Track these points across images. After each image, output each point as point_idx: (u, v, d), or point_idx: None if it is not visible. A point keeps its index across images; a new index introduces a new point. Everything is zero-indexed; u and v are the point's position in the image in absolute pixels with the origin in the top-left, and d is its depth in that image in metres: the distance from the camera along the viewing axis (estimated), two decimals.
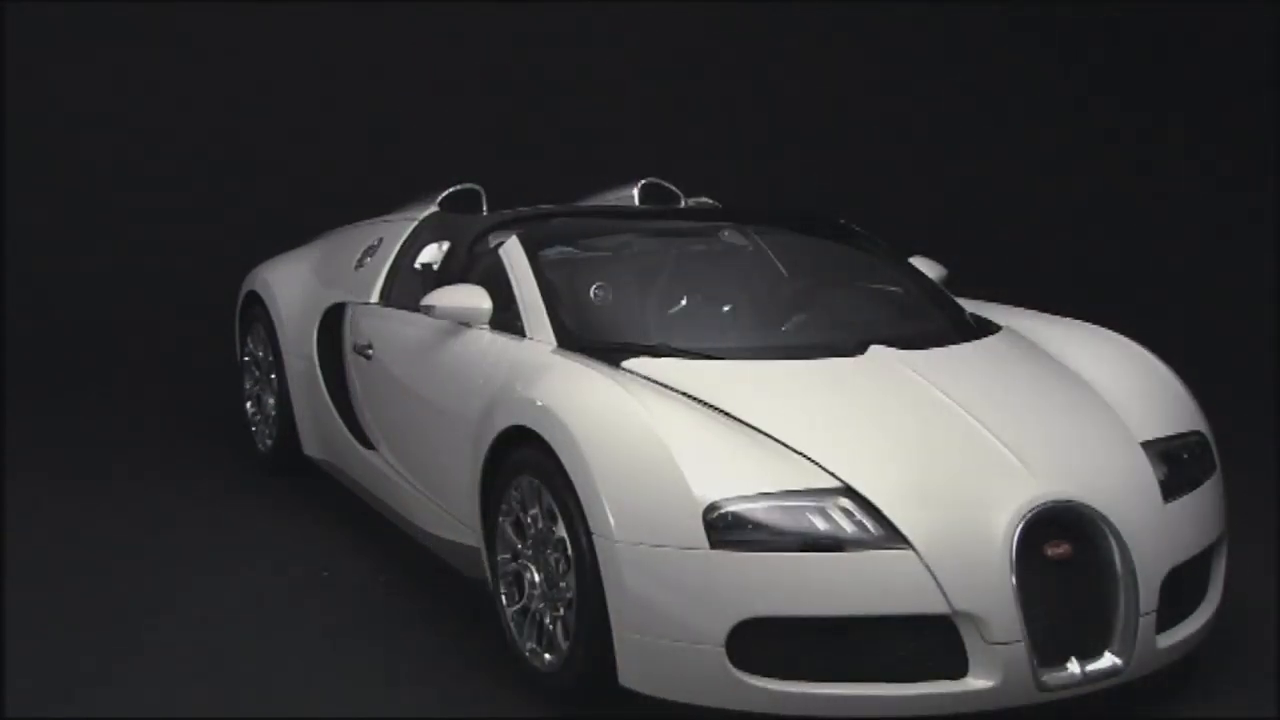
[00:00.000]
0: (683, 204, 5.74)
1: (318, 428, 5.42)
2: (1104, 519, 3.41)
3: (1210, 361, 6.49)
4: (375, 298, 5.12)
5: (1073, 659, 3.33)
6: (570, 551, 3.51)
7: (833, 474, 3.37)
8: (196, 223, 8.90)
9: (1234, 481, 4.07)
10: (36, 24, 8.86)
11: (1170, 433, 3.88)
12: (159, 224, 8.89)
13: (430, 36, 9.45)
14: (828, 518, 3.28)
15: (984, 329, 4.39)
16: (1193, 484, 3.78)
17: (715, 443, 3.43)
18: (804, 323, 4.41)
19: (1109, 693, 3.42)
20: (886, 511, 3.30)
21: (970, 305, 4.66)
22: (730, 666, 3.27)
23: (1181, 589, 3.62)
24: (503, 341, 4.20)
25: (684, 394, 3.65)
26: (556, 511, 3.56)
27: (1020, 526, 3.32)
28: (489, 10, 9.49)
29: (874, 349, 3.93)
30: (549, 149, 9.38)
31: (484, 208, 5.62)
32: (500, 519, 3.86)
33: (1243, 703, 3.71)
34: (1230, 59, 10.07)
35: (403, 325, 4.79)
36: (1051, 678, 3.29)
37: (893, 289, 4.72)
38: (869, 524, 3.28)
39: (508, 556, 3.86)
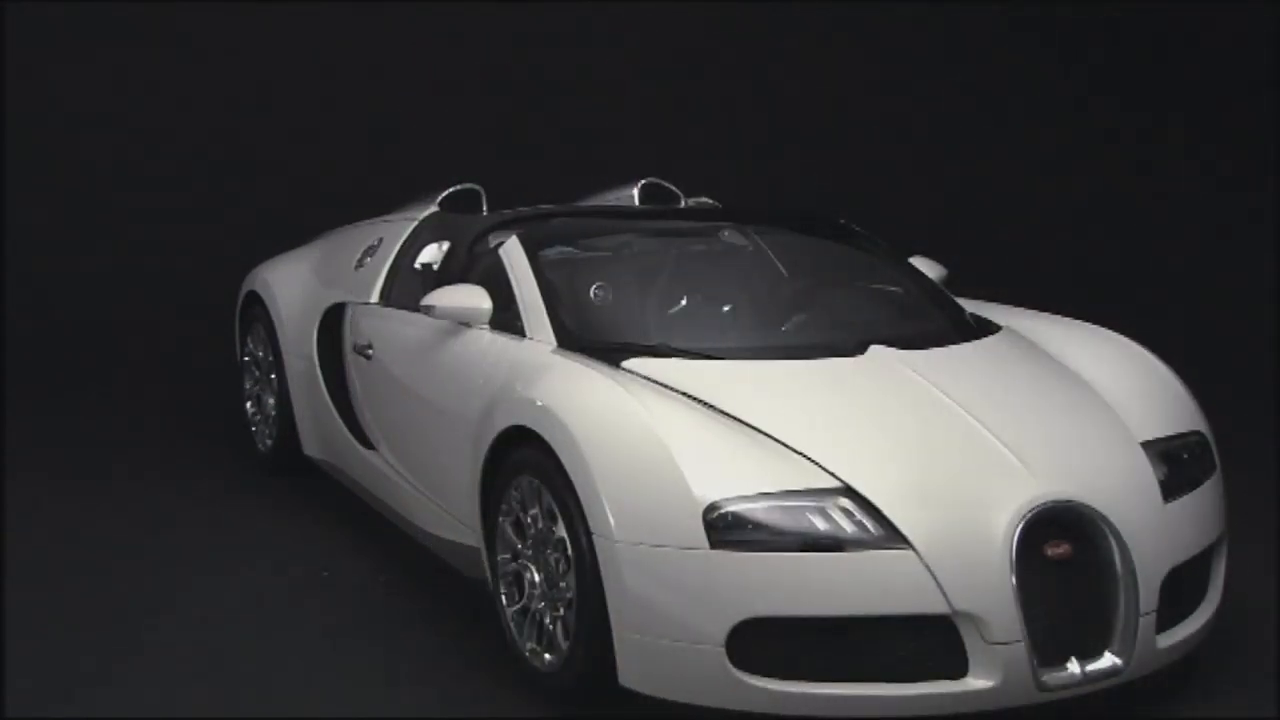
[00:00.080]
0: (683, 204, 5.74)
1: (318, 428, 5.42)
2: (1104, 519, 3.41)
3: (1210, 361, 6.49)
4: (375, 298, 5.12)
5: (1073, 659, 3.33)
6: (570, 551, 3.51)
7: (833, 474, 3.37)
8: (196, 223, 8.90)
9: (1234, 481, 4.07)
10: (36, 24, 8.86)
11: (1170, 433, 3.88)
12: (159, 224, 8.89)
13: (430, 36, 9.45)
14: (828, 518, 3.28)
15: (984, 329, 4.39)
16: (1193, 484, 3.78)
17: (715, 443, 3.43)
18: (804, 323, 4.41)
19: (1109, 693, 3.42)
20: (886, 511, 3.30)
21: (970, 305, 4.66)
22: (730, 666, 3.27)
23: (1181, 589, 3.62)
24: (503, 341, 4.20)
25: (684, 394, 3.65)
26: (556, 511, 3.56)
27: (1020, 526, 3.32)
28: (489, 10, 9.49)
29: (874, 349, 3.93)
30: (549, 149, 9.38)
31: (484, 208, 5.62)
32: (500, 519, 3.86)
33: (1243, 703, 3.71)
34: (1230, 59, 10.07)
35: (403, 325, 4.79)
36: (1051, 678, 3.29)
37: (893, 289, 4.72)
38: (869, 524, 3.28)
39: (508, 556, 3.86)
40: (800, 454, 3.43)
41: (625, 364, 3.84)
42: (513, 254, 4.44)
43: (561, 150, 9.35)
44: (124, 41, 9.01)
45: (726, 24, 9.90)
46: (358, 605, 4.42)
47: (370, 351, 4.90)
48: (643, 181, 5.72)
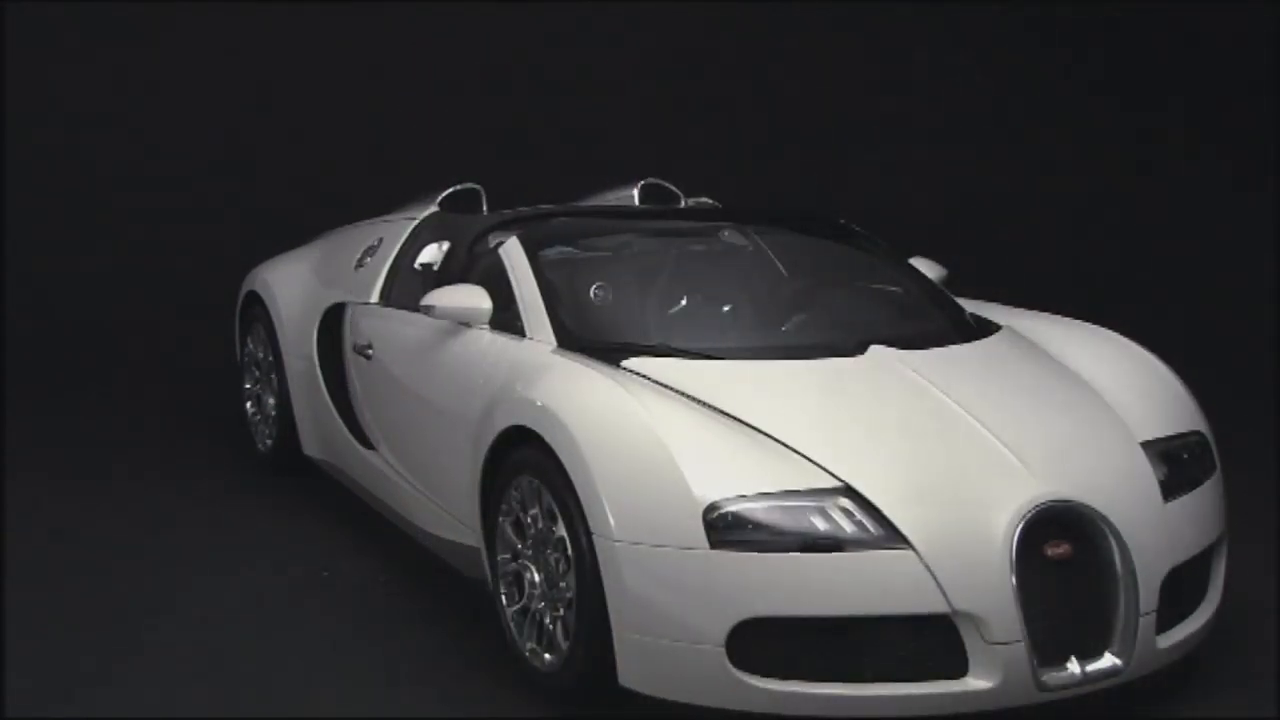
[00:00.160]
0: (683, 204, 5.74)
1: (318, 428, 5.42)
2: (1104, 519, 3.41)
3: (1210, 361, 6.48)
4: (375, 298, 5.12)
5: (1073, 659, 3.33)
6: (570, 551, 3.51)
7: (833, 474, 3.37)
8: (196, 223, 8.89)
9: (1234, 481, 4.07)
10: (36, 24, 8.86)
11: (1170, 433, 3.88)
12: (159, 224, 8.89)
13: (430, 36, 9.45)
14: (828, 518, 3.28)
15: (984, 329, 4.39)
16: (1193, 484, 3.79)
17: (715, 443, 3.43)
18: (804, 323, 4.41)
19: (1109, 693, 3.42)
20: (886, 511, 3.30)
21: (970, 305, 4.66)
22: (730, 666, 3.27)
23: (1181, 589, 3.62)
24: (503, 341, 4.20)
25: (684, 394, 3.65)
26: (556, 511, 3.56)
27: (1020, 526, 3.32)
28: (489, 10, 9.49)
29: (874, 349, 3.93)
30: (549, 149, 9.38)
31: (484, 208, 5.62)
32: (500, 519, 3.86)
33: (1243, 703, 3.71)
34: (1230, 59, 10.07)
35: (403, 325, 4.79)
36: (1051, 678, 3.29)
37: (893, 289, 4.72)
38: (869, 524, 3.28)
39: (508, 556, 3.86)
40: (800, 454, 3.43)
41: (625, 364, 3.84)
42: (513, 254, 4.44)
43: (561, 150, 9.35)
44: (124, 41, 9.01)
45: (726, 24, 9.90)
46: (358, 605, 4.42)
47: (370, 351, 4.90)
48: (643, 181, 5.72)
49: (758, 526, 3.26)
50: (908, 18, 10.13)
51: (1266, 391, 7.46)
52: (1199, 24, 10.08)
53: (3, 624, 4.17)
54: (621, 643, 3.38)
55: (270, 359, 5.77)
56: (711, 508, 3.27)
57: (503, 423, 3.80)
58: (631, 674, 3.40)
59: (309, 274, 5.72)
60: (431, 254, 4.99)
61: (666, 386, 3.69)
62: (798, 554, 3.23)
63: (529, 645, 3.74)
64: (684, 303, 4.47)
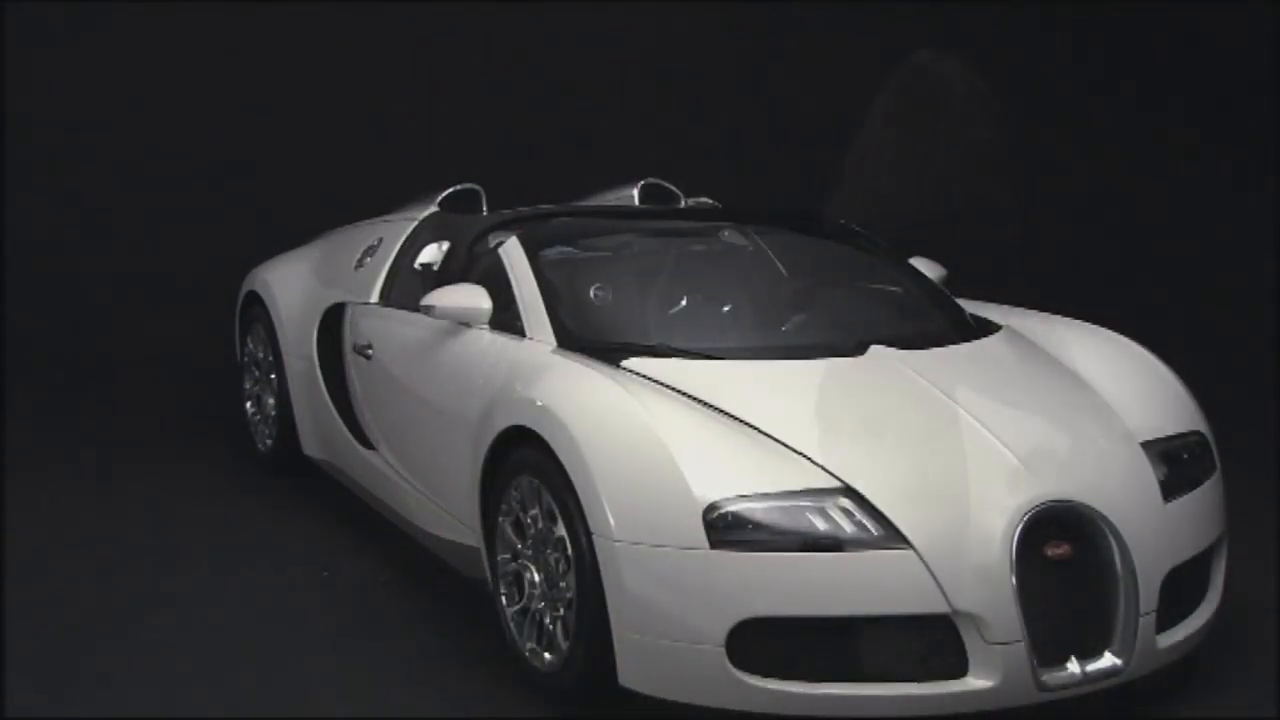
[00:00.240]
0: (683, 204, 5.74)
1: (318, 428, 5.42)
2: (1104, 519, 3.42)
3: (1210, 361, 6.48)
4: (375, 298, 5.12)
5: (1073, 659, 3.33)
6: (570, 551, 3.51)
7: (833, 474, 3.37)
8: (196, 223, 8.89)
9: (1234, 481, 4.07)
10: (36, 24, 8.86)
11: (1170, 433, 3.88)
12: (159, 224, 8.89)
13: (430, 36, 9.44)
14: (828, 518, 3.28)
15: (984, 329, 4.39)
16: (1193, 484, 3.79)
17: (715, 443, 3.43)
18: (804, 323, 4.41)
19: (1109, 693, 3.42)
20: (886, 511, 3.30)
21: (970, 305, 4.66)
22: (730, 666, 3.27)
23: (1181, 589, 3.62)
24: (503, 341, 4.20)
25: (684, 394, 3.65)
26: (556, 511, 3.56)
27: (1020, 526, 3.33)
28: (489, 10, 9.49)
29: (874, 349, 3.93)
30: (549, 149, 9.37)
31: (484, 208, 5.62)
32: (500, 519, 3.86)
33: (1243, 703, 3.71)
34: (1230, 59, 10.07)
35: (403, 325, 4.79)
36: (1051, 678, 3.29)
37: (893, 289, 4.72)
38: (869, 524, 3.29)
39: (508, 556, 3.86)
40: (800, 454, 3.43)
41: (625, 364, 3.84)
42: (513, 254, 4.44)
43: (561, 150, 9.34)
44: (124, 41, 9.01)
45: (726, 24, 9.89)
46: (358, 605, 4.42)
47: (370, 351, 4.90)
48: (643, 181, 5.72)
49: (758, 526, 3.26)
50: (908, 18, 10.12)
51: (1266, 391, 7.46)
52: (1199, 24, 10.07)
53: (3, 624, 4.16)
54: (621, 643, 3.38)
55: (270, 359, 5.77)
56: (711, 508, 3.27)
57: (503, 423, 3.80)
58: (631, 674, 3.40)
59: (309, 274, 5.72)
60: (431, 254, 4.99)
61: (666, 386, 3.69)
62: (798, 554, 3.23)
63: (529, 645, 3.73)
64: (684, 303, 4.47)
